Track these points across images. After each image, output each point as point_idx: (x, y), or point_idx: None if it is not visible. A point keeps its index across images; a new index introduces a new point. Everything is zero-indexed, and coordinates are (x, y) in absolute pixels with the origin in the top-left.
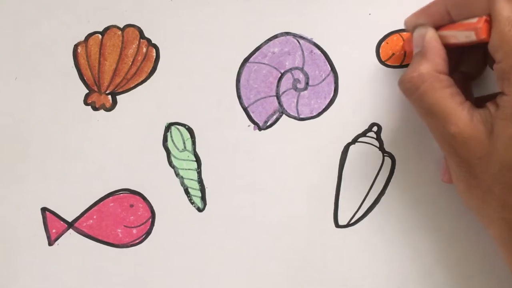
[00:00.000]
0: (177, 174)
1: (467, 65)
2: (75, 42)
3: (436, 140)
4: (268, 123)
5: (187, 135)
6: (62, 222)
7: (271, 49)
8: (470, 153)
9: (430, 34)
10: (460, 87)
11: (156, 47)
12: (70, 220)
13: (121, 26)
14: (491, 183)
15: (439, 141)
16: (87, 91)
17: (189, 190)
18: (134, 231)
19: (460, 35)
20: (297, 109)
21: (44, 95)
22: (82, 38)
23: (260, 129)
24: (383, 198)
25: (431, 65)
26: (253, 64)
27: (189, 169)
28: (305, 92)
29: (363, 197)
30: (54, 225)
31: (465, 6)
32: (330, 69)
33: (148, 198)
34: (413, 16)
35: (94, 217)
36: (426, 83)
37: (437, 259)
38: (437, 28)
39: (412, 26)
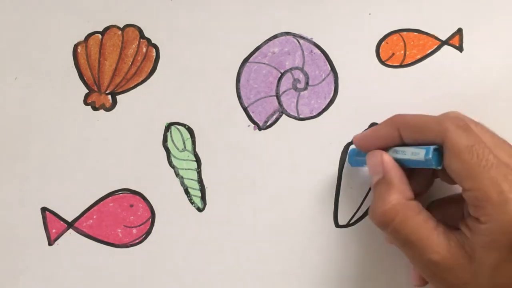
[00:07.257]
0: (177, 174)
1: (416, 184)
2: (75, 42)
3: (418, 269)
4: (268, 123)
5: (187, 135)
6: (62, 222)
7: (271, 49)
8: (457, 279)
9: (387, 159)
10: None
11: (156, 47)
12: (70, 220)
13: (121, 26)
14: None
15: (422, 270)
16: (87, 91)
17: (189, 190)
18: (134, 231)
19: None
20: (297, 109)
21: (44, 95)
22: (82, 38)
23: (260, 129)
24: None
25: (400, 194)
26: (253, 64)
27: (189, 169)
28: (305, 92)
29: (363, 197)
30: (54, 225)
31: (417, 131)
32: (330, 69)
33: (148, 198)
34: (363, 138)
35: (94, 217)
36: (399, 214)
37: None
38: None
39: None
